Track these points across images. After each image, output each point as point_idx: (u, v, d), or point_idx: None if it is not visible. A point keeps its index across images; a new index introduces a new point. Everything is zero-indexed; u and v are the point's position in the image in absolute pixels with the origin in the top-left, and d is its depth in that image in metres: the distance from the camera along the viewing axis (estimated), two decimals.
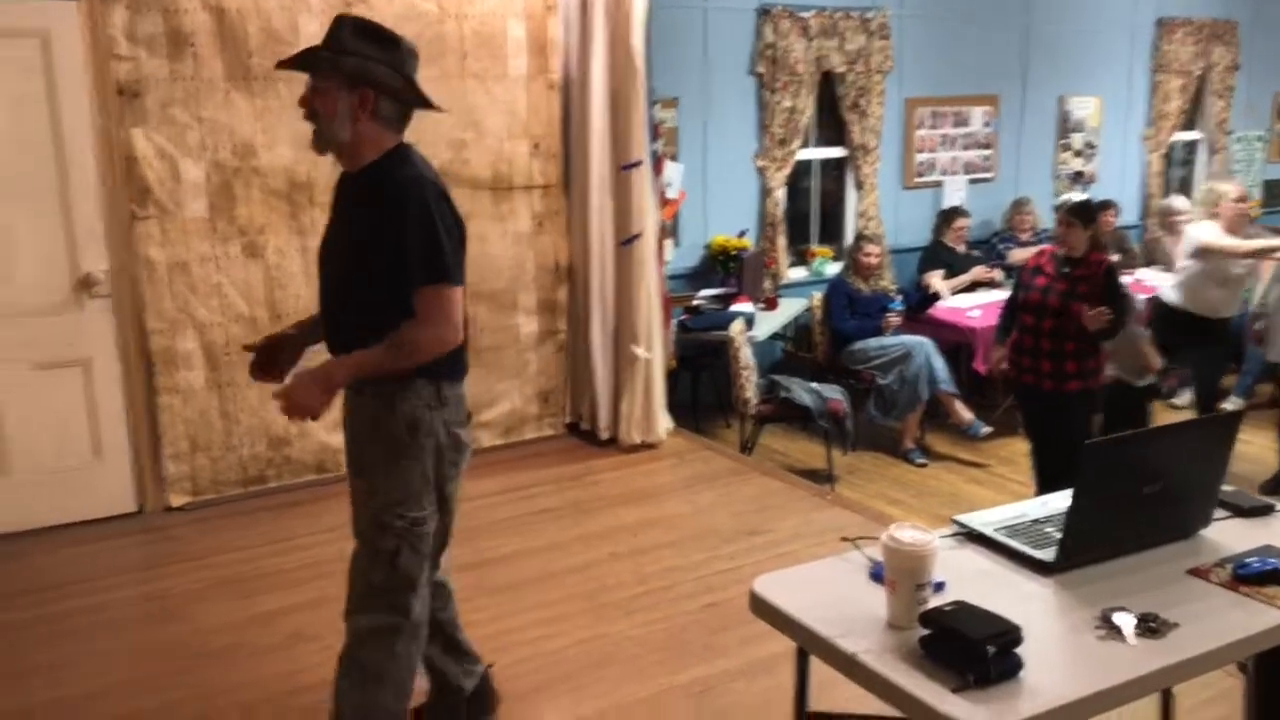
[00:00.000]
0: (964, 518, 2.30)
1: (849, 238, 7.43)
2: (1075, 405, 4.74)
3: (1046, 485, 4.93)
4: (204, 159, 4.40)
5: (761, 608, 2.04)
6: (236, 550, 4.14)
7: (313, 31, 4.51)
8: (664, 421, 5.44)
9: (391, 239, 2.38)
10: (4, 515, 4.30)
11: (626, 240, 5.14)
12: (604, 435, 5.37)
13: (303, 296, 4.70)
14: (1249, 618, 1.91)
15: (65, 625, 3.63)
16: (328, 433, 4.84)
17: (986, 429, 6.28)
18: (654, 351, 5.30)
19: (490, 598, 3.78)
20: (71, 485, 4.41)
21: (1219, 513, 2.28)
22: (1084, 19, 8.20)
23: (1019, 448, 6.17)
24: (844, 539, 2.21)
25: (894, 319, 6.26)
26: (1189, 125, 9.31)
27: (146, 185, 4.31)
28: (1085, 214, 4.71)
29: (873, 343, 6.26)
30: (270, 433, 4.67)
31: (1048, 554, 2.10)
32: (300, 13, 4.49)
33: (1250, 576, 2.01)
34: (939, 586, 1.95)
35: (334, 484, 4.81)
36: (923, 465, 6.13)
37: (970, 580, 2.03)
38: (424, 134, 4.80)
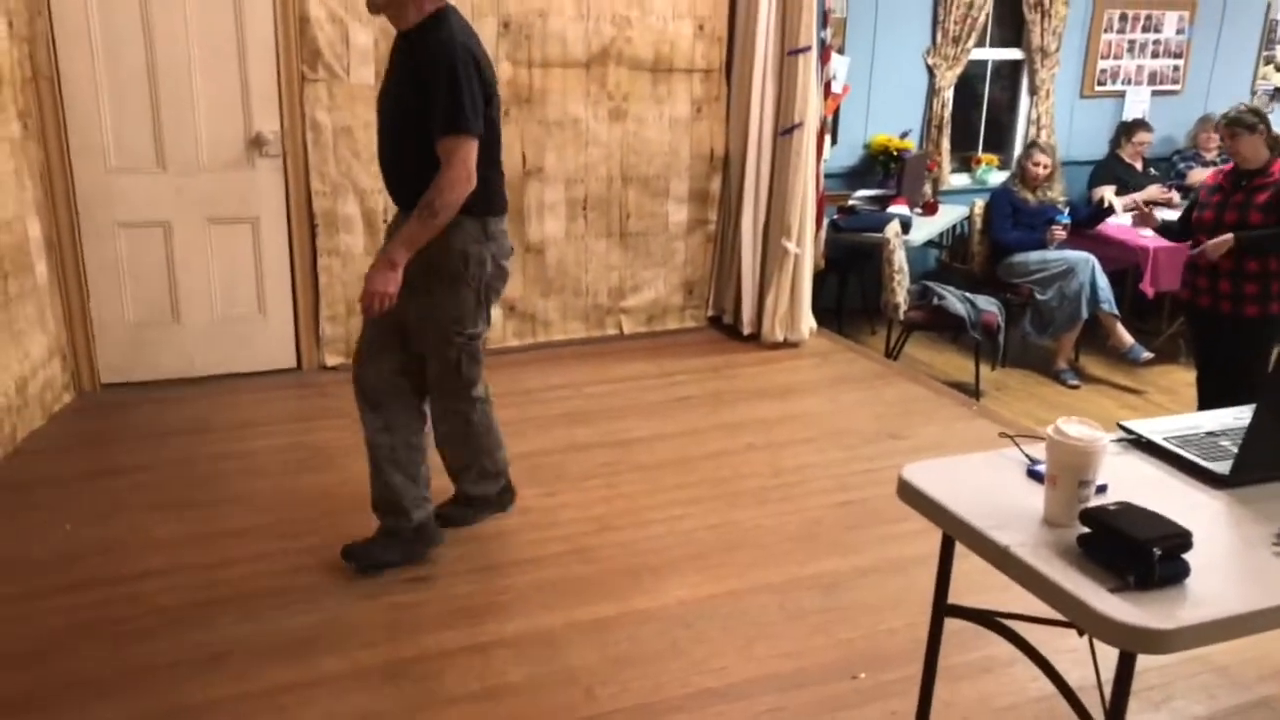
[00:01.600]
0: (1132, 424, 2.19)
1: (1017, 146, 7.07)
2: (1252, 331, 4.43)
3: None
4: (373, 24, 4.44)
5: (910, 494, 1.99)
6: None
7: None
8: (808, 321, 5.35)
9: (424, 93, 2.70)
10: (174, 361, 4.56)
11: (786, 130, 5.00)
12: (747, 330, 5.33)
13: None
14: None
15: (220, 466, 3.84)
16: None
17: (1147, 354, 5.97)
18: (804, 248, 5.19)
19: (631, 474, 3.85)
20: (237, 338, 4.63)
21: None
22: None
23: (1180, 377, 5.87)
24: (1002, 434, 2.14)
25: (1059, 232, 5.96)
26: None
27: (318, 48, 4.39)
28: (1245, 120, 4.32)
29: (1034, 256, 5.98)
30: None
31: (1221, 467, 1.99)
32: None
33: None
34: (1101, 489, 1.86)
35: None
36: (1075, 387, 5.89)
37: (1134, 486, 1.94)
38: (589, 8, 4.78)
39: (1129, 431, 2.18)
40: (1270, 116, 4.56)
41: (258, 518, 3.47)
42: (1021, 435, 2.11)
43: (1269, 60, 7.75)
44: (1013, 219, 6.07)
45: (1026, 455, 2.04)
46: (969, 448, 3.89)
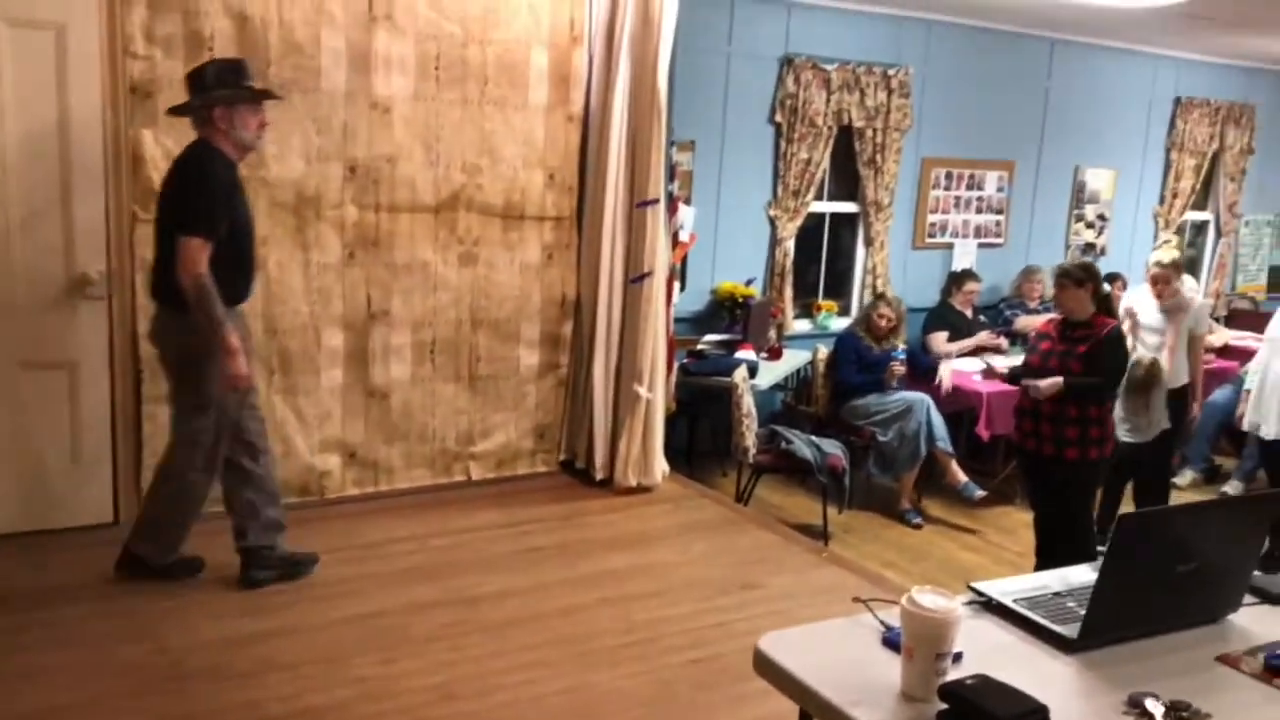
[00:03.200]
0: (982, 586, 2.18)
1: (855, 293, 7.37)
2: (1073, 473, 4.63)
3: (1044, 555, 4.82)
4: None
5: (766, 667, 1.92)
6: (210, 570, 4.00)
7: (336, 45, 4.46)
8: (661, 465, 5.32)
9: None
10: None
11: (636, 278, 5.05)
12: (599, 475, 5.24)
13: (301, 312, 4.60)
14: None
15: (22, 638, 3.46)
16: (311, 455, 4.72)
17: (980, 492, 6.18)
18: (656, 392, 5.20)
19: (477, 635, 3.65)
20: (46, 492, 4.27)
21: (1246, 598, 2.17)
22: (1104, 90, 8.21)
23: (1017, 518, 6.07)
24: (856, 599, 2.10)
25: (898, 368, 6.19)
26: (1201, 205, 9.30)
27: (151, 187, 4.21)
28: (1074, 274, 4.58)
29: (873, 399, 6.17)
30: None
31: (1070, 630, 1.99)
32: (324, 26, 4.43)
33: None
34: (957, 657, 1.83)
35: (317, 507, 4.69)
36: (918, 527, 6.02)
37: (987, 653, 1.92)
38: (439, 155, 4.77)
39: (979, 593, 2.17)
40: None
41: (62, 695, 3.12)
42: (874, 599, 2.07)
43: (1079, 218, 8.38)
44: (857, 364, 6.26)
45: (881, 621, 2.00)
46: (820, 597, 3.87)
